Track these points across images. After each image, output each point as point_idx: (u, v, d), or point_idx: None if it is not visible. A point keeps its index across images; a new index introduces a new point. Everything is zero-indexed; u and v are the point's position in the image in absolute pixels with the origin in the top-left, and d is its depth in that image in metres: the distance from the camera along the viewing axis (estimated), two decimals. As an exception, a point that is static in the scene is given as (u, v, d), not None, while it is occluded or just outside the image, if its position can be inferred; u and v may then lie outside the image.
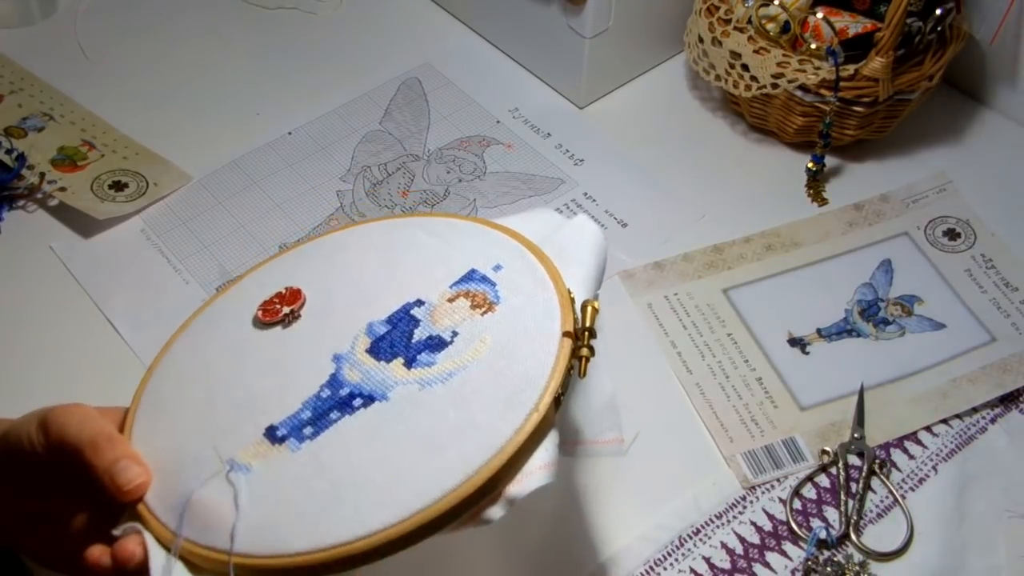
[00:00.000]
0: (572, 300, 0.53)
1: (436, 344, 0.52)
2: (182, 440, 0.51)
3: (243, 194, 0.87)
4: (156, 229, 0.85)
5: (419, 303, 0.54)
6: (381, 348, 0.52)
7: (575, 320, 0.52)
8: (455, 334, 0.52)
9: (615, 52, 0.93)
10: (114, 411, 0.54)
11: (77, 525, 0.51)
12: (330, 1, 1.04)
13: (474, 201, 0.87)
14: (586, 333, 0.51)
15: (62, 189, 0.84)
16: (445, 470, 0.47)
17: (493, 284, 0.54)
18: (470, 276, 0.55)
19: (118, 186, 0.86)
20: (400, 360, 0.52)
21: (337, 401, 0.51)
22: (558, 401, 0.49)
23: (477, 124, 0.93)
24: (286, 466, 0.49)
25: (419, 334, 0.52)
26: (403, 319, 0.53)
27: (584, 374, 0.51)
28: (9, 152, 0.85)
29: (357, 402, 0.50)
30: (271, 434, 0.50)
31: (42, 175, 0.85)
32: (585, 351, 0.51)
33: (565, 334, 0.51)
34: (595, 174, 0.90)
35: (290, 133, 0.93)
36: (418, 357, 0.51)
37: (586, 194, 0.88)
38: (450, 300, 0.54)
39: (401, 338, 0.52)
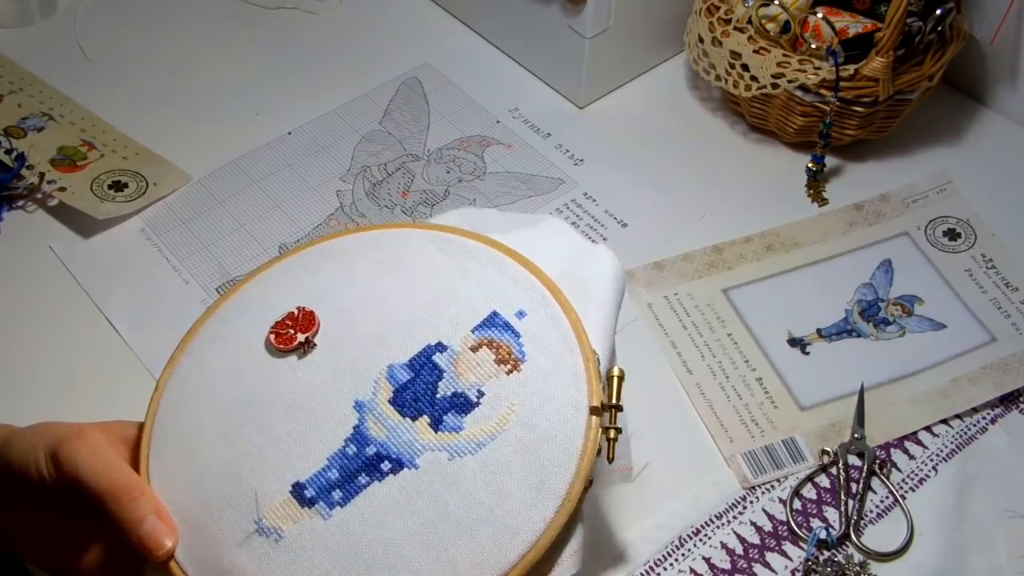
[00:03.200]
0: (597, 360, 0.52)
1: (462, 404, 0.51)
2: (204, 487, 0.51)
3: (243, 194, 0.87)
4: (156, 229, 0.85)
5: (441, 348, 0.53)
6: (405, 401, 0.51)
7: (602, 387, 0.51)
8: (481, 394, 0.51)
9: (615, 52, 0.93)
10: (119, 427, 0.53)
11: (92, 556, 0.51)
12: (330, 1, 1.04)
13: (474, 201, 0.87)
14: (613, 410, 0.51)
15: (62, 189, 0.84)
16: (480, 564, 0.47)
17: (517, 335, 0.53)
18: (492, 321, 0.54)
19: (118, 186, 0.86)
20: (426, 419, 0.51)
21: (364, 462, 0.50)
22: (587, 488, 0.49)
23: (477, 124, 0.93)
24: (319, 537, 0.48)
25: (443, 388, 0.52)
26: (426, 366, 0.52)
27: (612, 458, 0.50)
28: (9, 152, 0.85)
29: (385, 466, 0.50)
30: (299, 494, 0.49)
31: (42, 175, 0.85)
32: (613, 433, 0.50)
33: (592, 410, 0.50)
34: (595, 174, 0.90)
35: (290, 133, 0.93)
36: (444, 418, 0.51)
37: (586, 194, 0.88)
38: (473, 349, 0.53)
39: (425, 392, 0.52)
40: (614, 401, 0.51)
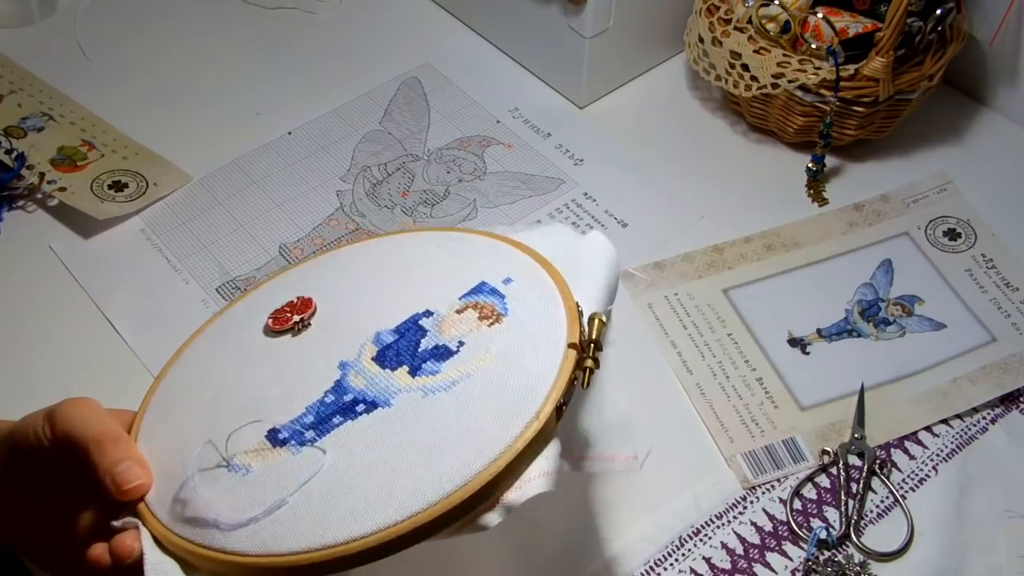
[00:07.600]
0: (580, 313, 0.53)
1: (442, 353, 0.52)
2: (184, 442, 0.52)
3: (243, 194, 0.87)
4: (156, 229, 0.85)
5: (428, 314, 0.54)
6: (387, 356, 0.53)
7: (582, 332, 0.52)
8: (461, 344, 0.52)
9: (615, 52, 0.93)
10: (125, 413, 0.54)
11: (82, 525, 0.51)
12: (330, 1, 1.04)
13: (474, 201, 0.87)
14: (591, 345, 0.51)
15: (62, 189, 0.84)
16: (443, 475, 0.47)
17: (502, 296, 0.54)
18: (480, 288, 0.55)
19: (118, 186, 0.86)
20: (405, 368, 0.52)
21: (340, 406, 0.51)
22: (560, 411, 0.49)
23: (477, 124, 0.93)
24: (285, 468, 0.49)
25: (425, 343, 0.53)
26: (411, 328, 0.54)
27: (587, 385, 0.51)
28: (9, 152, 0.85)
29: (360, 407, 0.51)
30: (272, 436, 0.50)
31: (42, 175, 0.85)
32: (589, 363, 0.51)
33: (570, 345, 0.51)
34: (595, 174, 0.90)
35: (290, 133, 0.93)
36: (423, 366, 0.52)
37: (586, 194, 0.88)
38: (458, 311, 0.54)
39: (408, 347, 0.53)
40: (594, 337, 0.51)
